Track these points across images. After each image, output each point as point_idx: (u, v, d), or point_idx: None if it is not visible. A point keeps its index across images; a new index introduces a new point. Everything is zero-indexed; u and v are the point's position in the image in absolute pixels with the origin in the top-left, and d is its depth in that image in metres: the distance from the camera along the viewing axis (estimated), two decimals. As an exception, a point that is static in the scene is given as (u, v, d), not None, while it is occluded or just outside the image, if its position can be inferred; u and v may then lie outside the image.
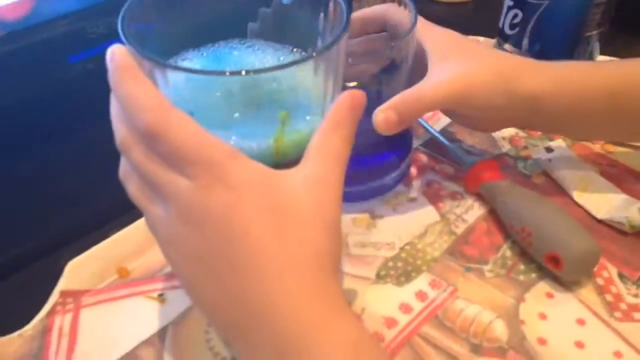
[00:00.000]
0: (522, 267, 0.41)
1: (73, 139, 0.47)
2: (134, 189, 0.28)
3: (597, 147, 0.49)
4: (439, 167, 0.49)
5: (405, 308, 0.38)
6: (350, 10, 0.28)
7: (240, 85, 0.27)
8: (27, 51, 0.44)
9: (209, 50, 0.31)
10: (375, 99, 0.40)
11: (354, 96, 0.28)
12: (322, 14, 0.30)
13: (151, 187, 0.27)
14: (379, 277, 0.40)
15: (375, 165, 0.46)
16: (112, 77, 0.26)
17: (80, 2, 0.45)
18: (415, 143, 0.50)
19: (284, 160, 0.29)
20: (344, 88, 0.29)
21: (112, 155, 0.43)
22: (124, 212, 0.42)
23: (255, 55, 0.32)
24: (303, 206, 0.26)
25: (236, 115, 0.27)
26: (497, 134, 0.51)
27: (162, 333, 0.37)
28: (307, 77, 0.28)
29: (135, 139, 0.26)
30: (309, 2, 0.31)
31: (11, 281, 0.39)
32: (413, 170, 0.48)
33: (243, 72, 0.25)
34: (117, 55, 0.26)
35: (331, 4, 0.29)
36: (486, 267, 0.41)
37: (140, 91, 0.25)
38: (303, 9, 0.31)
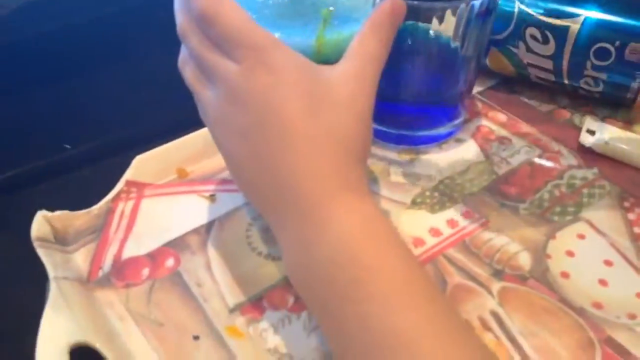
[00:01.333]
0: (558, 209, 0.41)
1: (156, 59, 0.51)
2: (189, 74, 0.32)
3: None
4: (492, 114, 0.50)
5: (434, 232, 0.40)
6: None
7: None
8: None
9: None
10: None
11: (395, 2, 0.30)
12: None
13: (203, 71, 0.30)
14: (414, 203, 0.42)
15: (433, 114, 0.47)
16: None
17: None
18: (474, 90, 0.51)
19: (325, 62, 0.31)
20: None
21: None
22: (192, 125, 0.45)
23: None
24: (336, 94, 0.29)
25: (283, 12, 0.30)
26: None
27: (209, 225, 0.40)
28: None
29: (192, 27, 0.30)
30: None
31: (87, 170, 0.45)
32: (465, 115, 0.49)
33: None
34: None
35: None
36: (522, 206, 0.42)
37: None
38: None
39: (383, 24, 0.30)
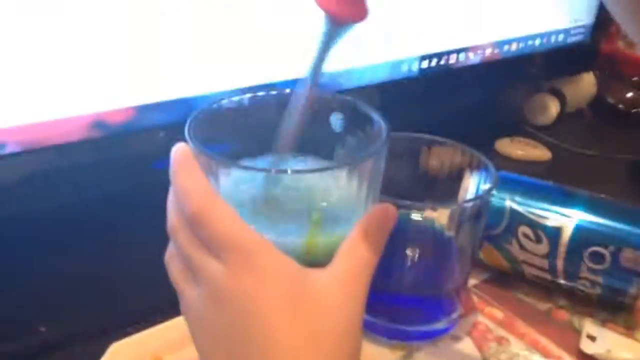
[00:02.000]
0: None
1: (140, 237, 0.51)
2: (175, 270, 0.30)
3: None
4: (488, 310, 0.48)
5: None
6: (389, 129, 0.31)
7: (280, 184, 0.30)
8: (121, 154, 0.50)
9: (263, 160, 0.35)
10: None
11: (387, 210, 0.30)
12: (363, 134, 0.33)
13: (189, 269, 0.29)
14: (408, 411, 0.39)
15: (431, 308, 0.46)
16: (171, 169, 0.30)
17: (177, 116, 0.51)
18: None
19: (314, 263, 0.30)
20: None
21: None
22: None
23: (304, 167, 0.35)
24: (324, 300, 0.27)
25: (273, 213, 0.30)
26: None
27: None
28: (342, 185, 0.30)
29: (182, 224, 0.29)
30: (355, 125, 0.34)
31: (60, 355, 0.42)
32: (461, 310, 0.48)
33: (289, 171, 0.29)
34: (178, 150, 0.30)
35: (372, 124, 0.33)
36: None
37: (192, 182, 0.29)
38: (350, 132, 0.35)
39: (375, 230, 0.29)
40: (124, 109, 0.49)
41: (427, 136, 0.47)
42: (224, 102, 0.34)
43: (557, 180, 0.69)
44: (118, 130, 0.49)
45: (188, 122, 0.32)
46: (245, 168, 0.31)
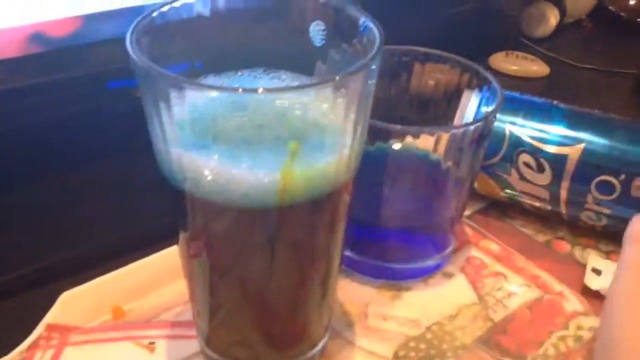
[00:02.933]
0: (567, 369, 0.35)
1: (95, 168, 0.45)
2: None
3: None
4: (483, 244, 0.44)
5: (422, 398, 0.33)
6: (382, 36, 0.25)
7: (249, 107, 0.24)
8: (66, 72, 0.43)
9: (230, 77, 0.29)
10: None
11: None
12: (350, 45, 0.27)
13: None
14: (397, 358, 0.35)
15: (422, 243, 0.41)
16: None
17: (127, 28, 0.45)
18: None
19: (290, 201, 0.25)
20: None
21: (130, 191, 0.41)
22: (133, 250, 0.39)
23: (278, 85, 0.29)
24: None
25: (241, 143, 0.24)
26: None
27: (143, 386, 0.33)
28: (326, 107, 0.24)
29: None
30: (339, 35, 0.28)
31: (3, 307, 0.37)
32: (455, 244, 0.43)
33: (260, 90, 0.23)
34: None
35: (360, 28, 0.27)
36: None
37: None
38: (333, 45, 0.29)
39: None
40: (67, 19, 0.42)
41: (420, 49, 0.41)
42: (177, 4, 0.28)
43: (557, 98, 0.64)
44: (61, 44, 0.42)
45: (130, 30, 0.25)
46: (206, 87, 0.25)
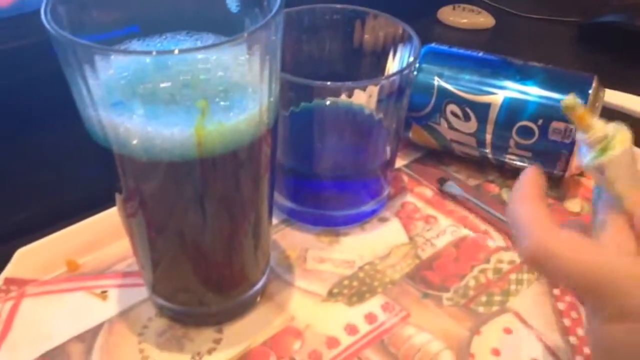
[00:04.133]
0: (484, 298, 0.38)
1: (44, 133, 0.47)
2: None
3: None
4: (418, 190, 0.47)
5: (350, 329, 0.36)
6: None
7: (164, 68, 0.26)
8: (14, 39, 0.44)
9: (154, 41, 0.31)
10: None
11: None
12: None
13: None
14: (331, 295, 0.39)
15: (357, 191, 0.44)
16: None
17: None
18: (399, 163, 0.49)
19: (209, 154, 0.28)
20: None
21: (80, 153, 0.43)
22: (84, 209, 0.41)
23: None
24: None
25: (162, 101, 0.27)
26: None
27: (96, 330, 0.36)
28: (232, 65, 0.27)
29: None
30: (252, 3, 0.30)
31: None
32: (389, 190, 0.46)
33: (175, 51, 0.25)
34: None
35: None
36: (446, 295, 0.39)
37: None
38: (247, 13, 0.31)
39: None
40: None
41: (358, 8, 0.43)
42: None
43: (502, 48, 0.67)
44: (4, 14, 0.44)
45: (44, 2, 0.27)
46: (120, 52, 0.27)
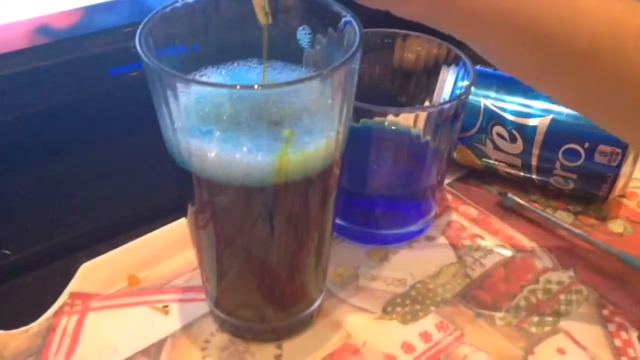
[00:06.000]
0: (536, 318, 0.39)
1: (105, 149, 0.48)
2: None
3: None
4: (463, 209, 0.48)
5: (407, 347, 0.37)
6: (362, 31, 0.29)
7: (249, 100, 0.28)
8: (70, 60, 0.46)
9: (227, 68, 0.32)
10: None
11: None
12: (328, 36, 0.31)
13: None
14: (385, 312, 0.39)
15: (407, 210, 0.45)
16: None
17: (126, 18, 0.47)
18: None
19: (287, 179, 0.29)
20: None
21: (139, 169, 0.44)
22: (143, 223, 0.43)
23: (272, 75, 0.32)
24: None
25: (240, 131, 0.28)
26: None
27: (160, 344, 0.37)
28: (314, 97, 0.28)
29: None
30: (324, 25, 0.31)
31: (28, 278, 0.41)
32: (436, 210, 0.47)
33: (255, 87, 0.27)
34: None
35: (342, 24, 0.30)
36: (498, 315, 0.39)
37: None
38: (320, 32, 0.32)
39: None
40: (69, 11, 0.44)
41: (401, 31, 0.44)
42: (178, 3, 0.31)
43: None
44: (66, 35, 0.45)
45: (139, 30, 0.29)
46: (206, 84, 0.28)
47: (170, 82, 0.26)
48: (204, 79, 0.32)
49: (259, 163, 0.28)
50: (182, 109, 0.27)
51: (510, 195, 0.47)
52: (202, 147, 0.28)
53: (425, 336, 0.38)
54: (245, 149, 0.28)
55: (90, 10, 0.45)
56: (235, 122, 0.28)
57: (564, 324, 0.39)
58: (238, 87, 0.27)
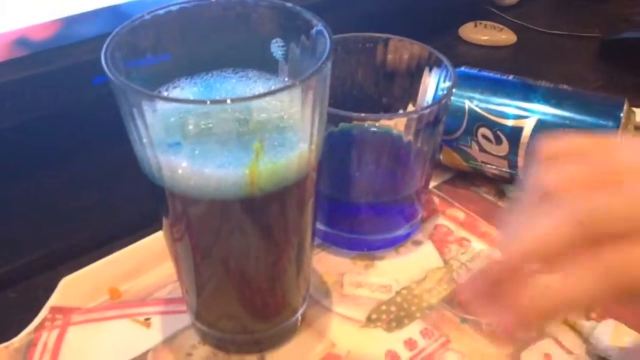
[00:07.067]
0: (522, 323, 0.39)
1: (86, 160, 0.48)
2: None
3: None
4: (450, 212, 0.47)
5: (392, 356, 0.37)
6: (332, 40, 0.28)
7: (218, 115, 0.27)
8: (51, 72, 0.45)
9: (202, 79, 0.32)
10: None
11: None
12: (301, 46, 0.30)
13: None
14: (370, 320, 0.39)
15: (392, 215, 0.44)
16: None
17: (108, 27, 0.47)
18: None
19: (261, 191, 0.29)
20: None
21: (119, 179, 0.44)
22: (125, 235, 0.42)
23: (247, 85, 0.32)
24: None
25: (215, 144, 0.27)
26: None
27: (142, 358, 0.36)
28: (285, 108, 0.27)
29: None
30: (296, 33, 0.31)
31: (11, 293, 0.40)
32: (422, 213, 0.47)
33: (228, 101, 0.26)
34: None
35: (314, 33, 0.30)
36: (484, 320, 0.39)
37: None
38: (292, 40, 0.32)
39: None
40: (47, 23, 0.44)
41: (382, 35, 0.44)
42: (146, 16, 0.30)
43: (525, 64, 0.67)
44: (45, 46, 0.45)
45: (105, 45, 0.28)
46: (173, 100, 0.28)
47: (135, 99, 0.26)
48: (178, 90, 0.31)
49: (230, 177, 0.28)
50: (149, 125, 0.27)
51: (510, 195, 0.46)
52: (172, 162, 0.28)
53: (410, 344, 0.37)
54: (215, 163, 0.28)
55: (69, 21, 0.45)
56: (205, 136, 0.28)
57: (550, 329, 0.38)
58: (208, 102, 0.27)
